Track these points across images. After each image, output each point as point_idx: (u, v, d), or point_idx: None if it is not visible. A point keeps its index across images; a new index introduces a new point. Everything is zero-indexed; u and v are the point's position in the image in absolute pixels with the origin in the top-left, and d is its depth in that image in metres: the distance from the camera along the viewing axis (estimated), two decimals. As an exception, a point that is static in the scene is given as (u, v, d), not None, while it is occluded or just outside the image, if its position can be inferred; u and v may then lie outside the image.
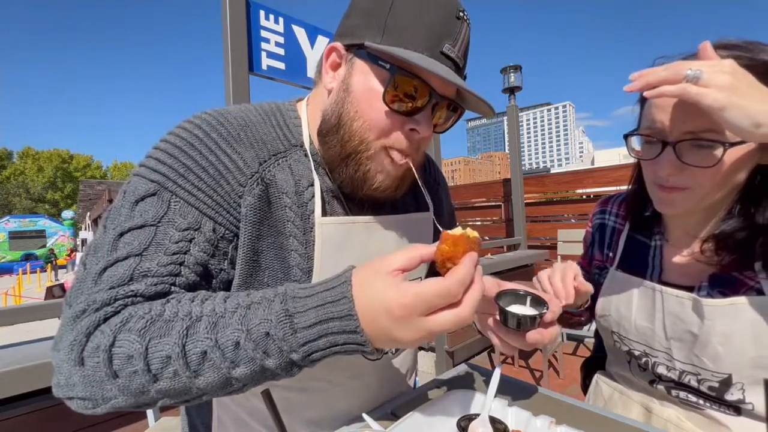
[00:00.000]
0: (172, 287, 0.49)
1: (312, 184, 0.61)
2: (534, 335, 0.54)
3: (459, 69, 0.56)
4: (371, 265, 0.45)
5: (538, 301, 0.56)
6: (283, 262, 0.58)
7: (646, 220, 0.81)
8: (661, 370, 0.74)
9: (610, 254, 0.87)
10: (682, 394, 0.73)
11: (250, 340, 0.43)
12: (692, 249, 0.73)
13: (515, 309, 0.56)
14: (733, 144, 0.57)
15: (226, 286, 0.56)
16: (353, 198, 0.65)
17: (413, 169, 0.60)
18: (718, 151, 0.58)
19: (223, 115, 0.58)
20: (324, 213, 0.61)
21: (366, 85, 0.56)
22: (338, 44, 0.59)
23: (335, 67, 0.60)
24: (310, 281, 0.58)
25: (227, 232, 0.54)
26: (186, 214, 0.51)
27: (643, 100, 0.71)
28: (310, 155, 0.62)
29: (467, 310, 0.43)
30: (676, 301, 0.70)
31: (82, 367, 0.43)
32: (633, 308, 0.77)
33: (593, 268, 0.92)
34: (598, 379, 0.90)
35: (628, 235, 0.85)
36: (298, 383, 0.62)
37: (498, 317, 0.57)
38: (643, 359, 0.77)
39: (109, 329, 0.44)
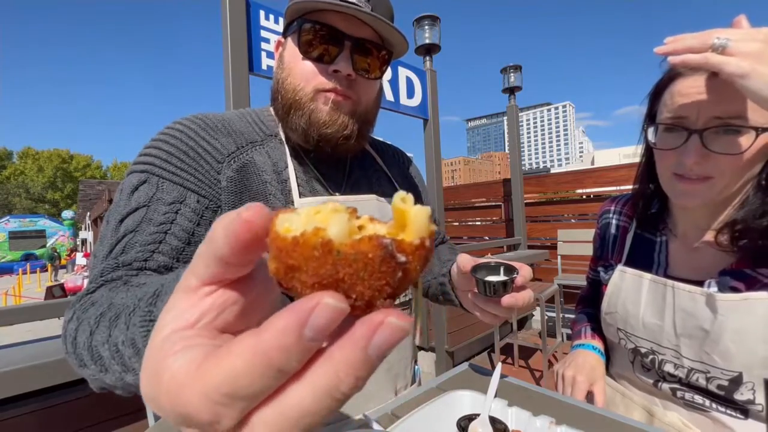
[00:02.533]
0: (154, 254, 0.53)
1: (288, 166, 0.67)
2: (508, 299, 0.57)
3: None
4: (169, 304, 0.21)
5: (510, 269, 0.60)
6: None
7: (651, 217, 0.81)
8: (668, 368, 0.73)
9: (617, 253, 0.87)
10: (688, 396, 0.71)
11: (126, 345, 0.37)
12: (701, 241, 0.71)
13: (490, 278, 0.59)
14: (765, 129, 0.57)
15: None
16: (334, 178, 0.72)
17: (363, 125, 0.67)
18: (747, 137, 0.58)
19: (202, 114, 0.66)
20: (302, 195, 0.66)
21: (290, 51, 0.65)
22: (279, 37, 0.70)
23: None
24: None
25: (211, 203, 0.60)
26: (172, 191, 0.57)
27: (656, 93, 0.70)
28: (285, 144, 0.69)
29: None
30: (689, 297, 0.68)
31: (64, 341, 0.47)
32: (641, 304, 0.76)
33: (599, 267, 0.92)
34: None
35: (635, 233, 0.84)
36: None
37: (476, 289, 0.61)
38: (650, 357, 0.76)
39: (77, 305, 0.47)
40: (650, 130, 0.69)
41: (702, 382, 0.68)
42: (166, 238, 0.55)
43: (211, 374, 0.15)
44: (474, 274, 0.59)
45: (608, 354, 0.91)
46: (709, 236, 0.70)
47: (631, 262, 0.82)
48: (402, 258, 0.16)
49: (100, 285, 0.49)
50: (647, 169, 0.79)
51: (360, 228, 0.18)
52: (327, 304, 0.15)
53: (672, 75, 0.66)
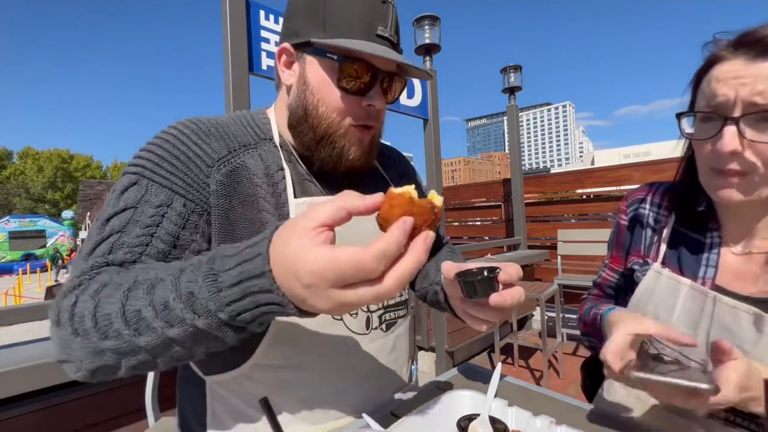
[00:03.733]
0: (142, 255, 0.55)
1: (282, 169, 0.67)
2: (495, 297, 0.55)
3: (394, 45, 0.65)
4: (294, 220, 0.41)
5: (492, 269, 0.57)
6: (257, 233, 0.62)
7: (698, 215, 0.72)
8: None
9: (651, 249, 0.78)
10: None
11: (179, 300, 0.43)
12: (752, 247, 0.65)
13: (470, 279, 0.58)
14: None
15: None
16: (327, 180, 0.72)
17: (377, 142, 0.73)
18: None
19: (196, 118, 0.66)
20: (296, 196, 0.67)
21: (320, 76, 0.64)
22: (287, 45, 0.67)
23: (289, 65, 0.69)
24: None
25: (197, 207, 0.60)
26: (159, 194, 0.58)
27: (696, 81, 0.65)
28: (279, 147, 0.69)
29: (388, 287, 0.38)
30: (731, 312, 0.62)
31: (59, 327, 0.49)
32: (675, 312, 0.69)
33: (630, 263, 0.81)
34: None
35: (675, 229, 0.75)
36: (289, 360, 0.64)
37: (462, 295, 0.59)
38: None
39: (76, 292, 0.50)
40: (685, 121, 0.64)
41: None
42: (152, 241, 0.56)
43: (376, 246, 0.37)
44: (457, 278, 0.58)
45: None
46: (760, 242, 0.64)
47: (671, 263, 0.74)
48: (435, 210, 0.42)
49: (95, 274, 0.52)
50: (689, 163, 0.72)
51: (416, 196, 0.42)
52: (406, 220, 0.39)
53: (712, 60, 0.61)
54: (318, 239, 0.38)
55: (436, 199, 0.42)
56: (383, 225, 0.41)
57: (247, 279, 0.41)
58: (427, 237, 0.40)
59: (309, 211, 0.40)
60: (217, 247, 0.61)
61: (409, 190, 0.41)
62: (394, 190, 0.41)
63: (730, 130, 0.57)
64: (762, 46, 0.55)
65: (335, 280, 0.37)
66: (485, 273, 0.56)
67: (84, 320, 0.46)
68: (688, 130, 0.65)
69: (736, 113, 0.56)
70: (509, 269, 0.57)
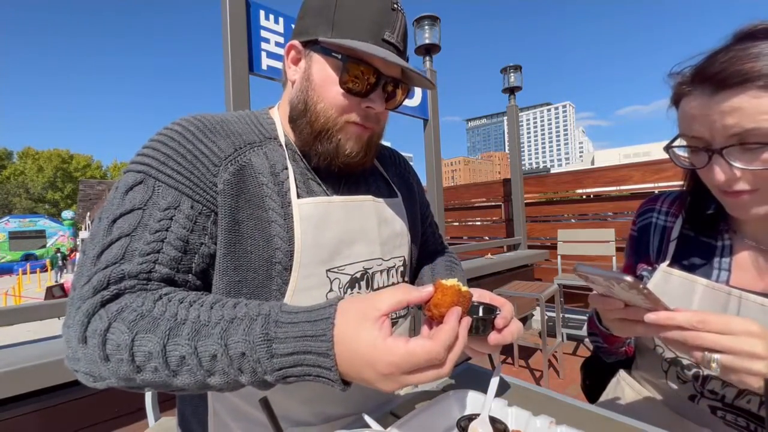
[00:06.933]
0: (156, 264, 0.54)
1: (287, 168, 0.67)
2: (495, 337, 0.58)
3: (400, 52, 0.66)
4: (357, 308, 0.46)
5: (490, 309, 0.59)
6: (264, 232, 0.62)
7: (709, 218, 0.71)
8: (714, 385, 0.66)
9: (660, 255, 0.77)
10: (730, 417, 0.65)
11: (227, 356, 0.46)
12: None
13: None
14: None
15: (209, 259, 0.60)
16: (330, 180, 0.72)
17: (376, 142, 0.73)
18: None
19: (201, 115, 0.66)
20: (299, 195, 0.66)
21: (324, 74, 0.65)
22: (296, 42, 0.68)
23: (296, 61, 0.69)
24: (292, 249, 0.63)
25: (204, 208, 0.59)
26: (167, 195, 0.57)
27: (676, 101, 0.64)
28: (284, 147, 0.69)
29: (448, 368, 0.45)
30: (760, 310, 0.60)
31: (85, 345, 0.48)
32: None
33: (639, 271, 0.81)
34: (621, 379, 0.84)
35: (683, 234, 0.75)
36: None
37: None
38: (692, 370, 0.69)
39: (106, 315, 0.48)
40: (678, 150, 0.64)
41: (752, 406, 0.62)
42: (163, 248, 0.54)
43: (441, 337, 0.44)
44: None
45: (634, 356, 0.85)
46: None
47: (680, 265, 0.73)
48: (470, 297, 0.53)
49: (116, 291, 0.50)
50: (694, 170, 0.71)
51: (461, 287, 0.51)
52: (458, 311, 0.48)
53: (677, 94, 0.62)
54: (385, 330, 0.45)
55: (466, 288, 0.51)
56: (433, 309, 0.49)
57: (305, 352, 0.45)
58: (467, 323, 0.49)
59: (371, 299, 0.47)
60: (223, 246, 0.60)
61: (455, 282, 0.50)
62: (444, 282, 0.50)
63: (718, 163, 0.56)
64: (715, 82, 0.55)
65: (410, 369, 0.43)
66: (480, 312, 0.57)
67: (119, 351, 0.46)
68: (683, 154, 0.64)
69: (718, 145, 0.56)
70: (506, 312, 0.59)
